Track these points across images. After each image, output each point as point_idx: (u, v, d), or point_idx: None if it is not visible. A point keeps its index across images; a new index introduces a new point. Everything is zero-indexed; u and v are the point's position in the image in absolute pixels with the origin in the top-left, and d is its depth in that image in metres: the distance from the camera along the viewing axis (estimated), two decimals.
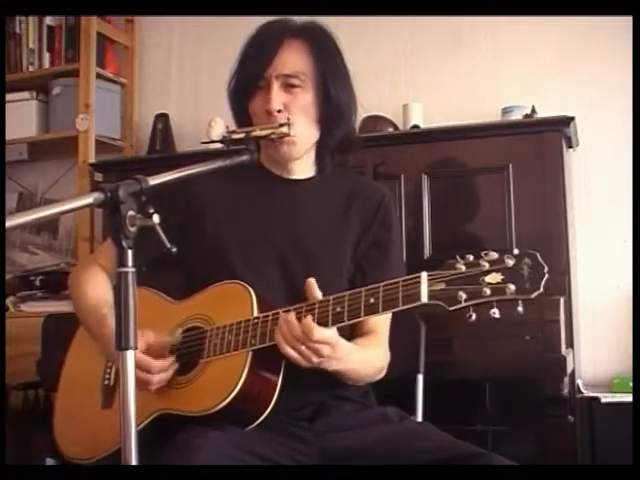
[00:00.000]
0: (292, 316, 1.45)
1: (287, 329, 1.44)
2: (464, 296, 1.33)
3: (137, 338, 1.17)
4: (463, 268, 1.34)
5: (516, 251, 1.32)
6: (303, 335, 1.43)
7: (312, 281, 1.50)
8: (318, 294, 1.48)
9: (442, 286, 1.35)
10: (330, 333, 1.45)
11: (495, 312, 1.31)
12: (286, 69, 1.63)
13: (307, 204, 1.71)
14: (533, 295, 1.30)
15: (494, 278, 1.31)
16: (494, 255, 1.33)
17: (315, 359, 1.45)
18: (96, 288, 1.68)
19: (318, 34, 1.70)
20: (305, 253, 1.66)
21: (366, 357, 1.62)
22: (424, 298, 1.36)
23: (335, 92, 1.66)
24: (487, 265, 1.32)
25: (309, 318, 1.43)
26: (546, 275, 1.30)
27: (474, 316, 1.33)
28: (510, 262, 1.31)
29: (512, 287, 1.30)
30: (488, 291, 1.31)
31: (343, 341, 1.51)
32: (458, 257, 1.36)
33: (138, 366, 1.48)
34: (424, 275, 1.37)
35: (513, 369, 2.29)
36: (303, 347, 1.44)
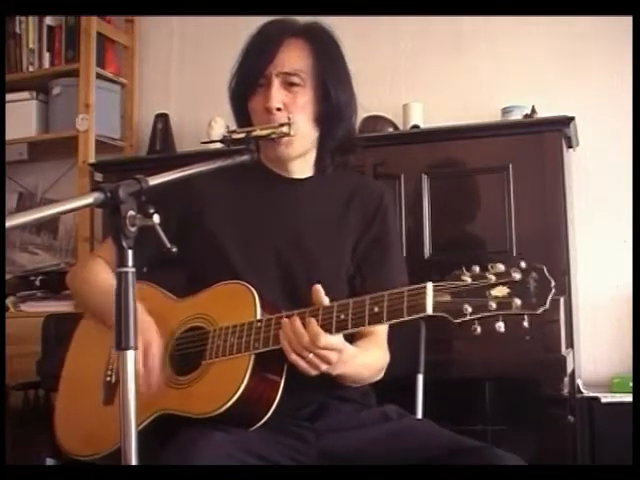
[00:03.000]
0: (299, 324, 1.43)
1: (295, 337, 1.43)
2: (470, 309, 1.31)
3: (137, 338, 1.17)
4: (469, 280, 1.33)
5: (523, 264, 1.30)
6: (310, 342, 1.42)
7: (318, 287, 1.48)
8: (325, 300, 1.47)
9: (447, 298, 1.34)
10: (336, 339, 1.44)
11: (500, 326, 1.30)
12: (286, 67, 1.63)
13: (308, 204, 1.71)
14: (539, 311, 1.29)
15: (500, 291, 1.30)
16: (501, 267, 1.31)
17: (324, 367, 1.45)
18: (105, 275, 1.66)
19: (319, 34, 1.70)
20: (305, 253, 1.66)
21: (369, 360, 1.62)
22: (429, 310, 1.35)
23: (335, 92, 1.66)
24: (493, 278, 1.31)
25: (314, 324, 1.42)
26: (553, 290, 1.29)
27: (479, 329, 1.32)
28: (517, 276, 1.30)
29: (518, 302, 1.29)
30: (494, 305, 1.30)
31: (348, 345, 1.50)
32: (464, 268, 1.34)
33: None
34: (429, 286, 1.36)
35: (513, 369, 2.29)
36: (311, 355, 1.43)
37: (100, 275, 1.68)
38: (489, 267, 1.32)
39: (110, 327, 1.58)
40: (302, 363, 1.44)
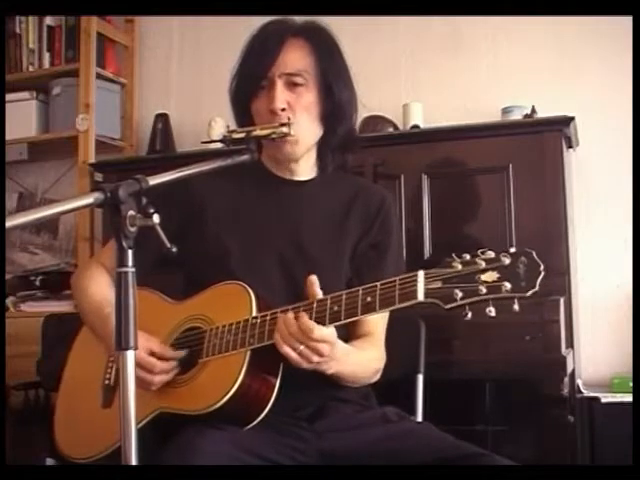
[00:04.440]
0: (290, 315, 1.45)
1: (285, 328, 1.44)
2: (460, 294, 1.33)
3: (137, 338, 1.17)
4: (459, 267, 1.34)
5: (512, 249, 1.32)
6: (302, 334, 1.42)
7: (314, 278, 1.48)
8: (319, 292, 1.48)
9: (438, 284, 1.35)
10: (329, 331, 1.44)
11: (491, 310, 1.31)
12: (289, 68, 1.63)
13: (308, 206, 1.71)
14: (529, 293, 1.30)
15: (490, 276, 1.31)
16: (490, 254, 1.33)
17: (315, 358, 1.45)
18: (98, 287, 1.68)
19: (319, 33, 1.70)
20: (305, 255, 1.66)
21: (363, 359, 1.62)
22: (420, 296, 1.36)
23: (337, 90, 1.66)
24: (483, 264, 1.32)
25: (306, 317, 1.43)
26: (542, 273, 1.30)
27: (470, 314, 1.33)
28: (506, 260, 1.31)
29: (508, 285, 1.30)
30: (484, 289, 1.31)
31: (341, 342, 1.50)
32: (455, 256, 1.36)
33: (141, 366, 1.49)
34: (421, 273, 1.37)
35: (513, 369, 2.29)
36: (302, 347, 1.43)
37: (93, 290, 1.68)
38: (479, 253, 1.34)
39: (98, 338, 1.61)
40: (293, 355, 1.44)
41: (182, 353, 1.58)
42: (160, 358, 1.54)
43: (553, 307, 2.30)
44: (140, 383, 1.47)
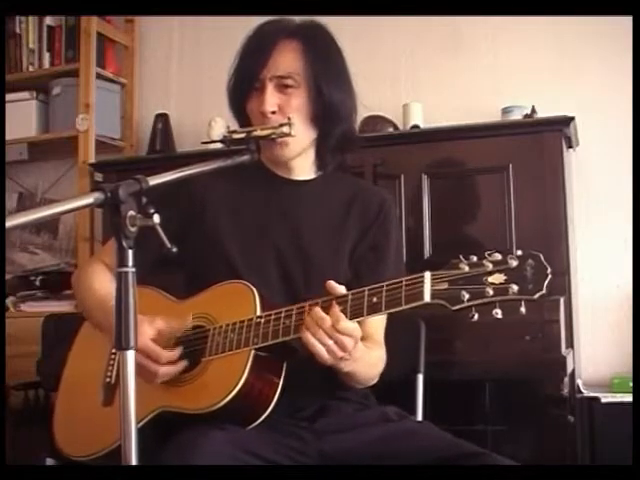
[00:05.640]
0: (319, 309, 1.43)
1: (316, 323, 1.42)
2: (467, 296, 1.33)
3: (137, 338, 1.17)
4: (466, 268, 1.34)
5: (519, 252, 1.32)
6: (331, 327, 1.41)
7: (331, 283, 1.47)
8: (340, 290, 1.46)
9: (445, 286, 1.35)
10: (355, 325, 1.43)
11: (497, 312, 1.31)
12: (280, 70, 1.63)
13: (308, 206, 1.71)
14: (536, 296, 1.30)
15: (497, 278, 1.31)
16: (497, 256, 1.33)
17: (340, 353, 1.43)
18: (102, 283, 1.68)
19: (314, 33, 1.69)
20: (304, 255, 1.66)
21: (374, 359, 1.62)
22: (427, 297, 1.36)
23: (328, 92, 1.64)
24: (490, 265, 1.32)
25: (337, 309, 1.42)
26: (549, 276, 1.30)
27: (476, 316, 1.33)
28: (513, 263, 1.31)
29: (515, 288, 1.30)
30: (491, 291, 1.31)
31: (360, 343, 1.49)
32: (462, 257, 1.35)
33: (147, 356, 1.49)
34: (427, 275, 1.37)
35: (513, 369, 2.29)
36: (331, 342, 1.42)
37: (96, 285, 1.68)
38: (486, 255, 1.34)
39: (103, 333, 1.61)
40: (322, 351, 1.42)
41: (189, 323, 1.57)
42: (166, 347, 1.53)
43: (553, 307, 2.30)
44: (144, 374, 1.47)
